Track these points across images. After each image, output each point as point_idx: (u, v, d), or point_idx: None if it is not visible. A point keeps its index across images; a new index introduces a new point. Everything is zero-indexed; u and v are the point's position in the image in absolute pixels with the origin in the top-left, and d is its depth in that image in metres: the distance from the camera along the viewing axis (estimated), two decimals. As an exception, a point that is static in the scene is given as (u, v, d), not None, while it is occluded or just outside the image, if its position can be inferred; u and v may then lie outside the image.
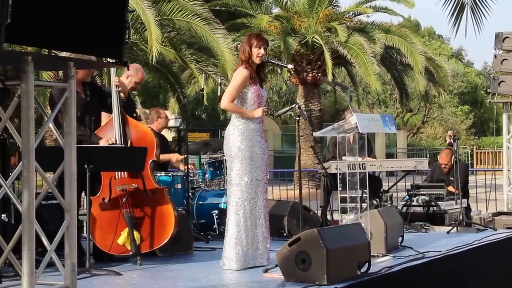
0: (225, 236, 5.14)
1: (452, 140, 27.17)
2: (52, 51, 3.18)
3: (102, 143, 5.40)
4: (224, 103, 5.14)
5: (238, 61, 5.39)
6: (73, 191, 3.17)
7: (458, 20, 9.43)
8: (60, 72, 4.66)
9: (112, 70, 5.55)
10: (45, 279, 3.44)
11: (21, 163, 2.98)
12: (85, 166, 4.97)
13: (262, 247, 5.10)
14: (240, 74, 5.18)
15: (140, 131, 5.68)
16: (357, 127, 5.37)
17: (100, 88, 5.87)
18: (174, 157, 7.58)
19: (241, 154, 5.06)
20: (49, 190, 3.30)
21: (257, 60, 5.19)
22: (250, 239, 5.05)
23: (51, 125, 3.22)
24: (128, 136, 5.54)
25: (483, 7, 9.33)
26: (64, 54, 4.01)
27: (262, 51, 5.19)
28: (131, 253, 5.37)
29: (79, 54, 3.52)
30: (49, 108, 5.60)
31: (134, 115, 6.14)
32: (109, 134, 5.49)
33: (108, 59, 3.35)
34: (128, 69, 5.55)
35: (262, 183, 5.14)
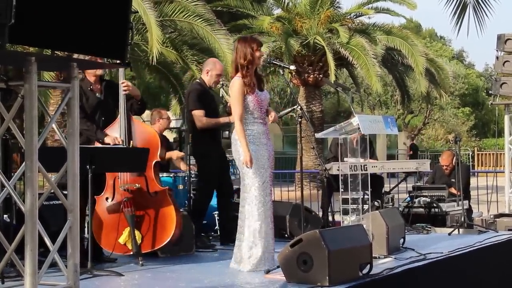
0: (240, 238, 5.07)
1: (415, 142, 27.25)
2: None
3: (108, 140, 5.40)
4: (236, 121, 5.06)
5: (233, 68, 5.19)
6: (76, 191, 3.17)
7: (460, 20, 9.42)
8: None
9: (121, 72, 5.54)
10: (47, 279, 3.44)
11: (24, 163, 2.98)
12: (87, 167, 4.97)
13: (271, 249, 5.09)
14: (234, 86, 5.08)
15: (145, 132, 5.68)
16: (359, 128, 5.38)
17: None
18: (175, 154, 7.59)
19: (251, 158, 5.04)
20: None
21: (260, 63, 5.17)
22: (264, 241, 5.03)
23: (54, 126, 3.22)
24: (132, 136, 5.55)
25: (485, 6, 9.32)
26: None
27: (261, 52, 5.19)
28: (132, 252, 5.37)
29: (82, 54, 3.53)
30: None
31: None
32: (115, 133, 5.51)
33: (111, 60, 3.35)
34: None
35: (269, 184, 5.14)
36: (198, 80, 6.48)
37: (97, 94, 5.55)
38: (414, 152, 26.41)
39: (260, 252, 5.00)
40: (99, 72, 5.58)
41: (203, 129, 6.23)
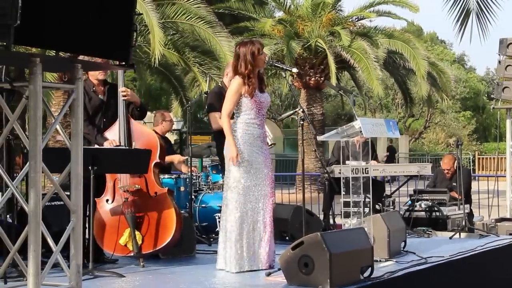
0: (220, 237, 5.13)
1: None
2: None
3: (106, 144, 5.42)
4: (222, 117, 5.13)
5: (232, 71, 5.19)
6: (79, 192, 3.17)
7: (464, 26, 9.45)
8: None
9: (120, 79, 5.55)
10: (49, 280, 3.45)
11: (27, 164, 2.98)
12: (89, 168, 4.97)
13: (262, 251, 5.08)
14: (232, 84, 5.12)
15: (143, 133, 5.69)
16: (361, 131, 5.38)
17: None
18: (176, 158, 7.59)
19: (240, 157, 5.05)
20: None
21: (264, 65, 5.18)
22: (246, 242, 5.03)
23: (57, 127, 3.23)
24: (133, 138, 5.56)
25: (488, 13, 9.35)
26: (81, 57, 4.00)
27: (264, 54, 5.18)
28: (132, 253, 5.38)
29: (87, 56, 3.54)
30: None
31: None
32: (114, 136, 5.51)
33: (115, 61, 3.36)
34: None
35: (264, 187, 5.12)
36: (219, 84, 6.53)
37: (99, 95, 5.58)
38: (391, 155, 25.27)
39: (240, 253, 5.01)
40: (101, 76, 5.60)
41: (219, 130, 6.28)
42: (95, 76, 5.56)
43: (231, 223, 5.05)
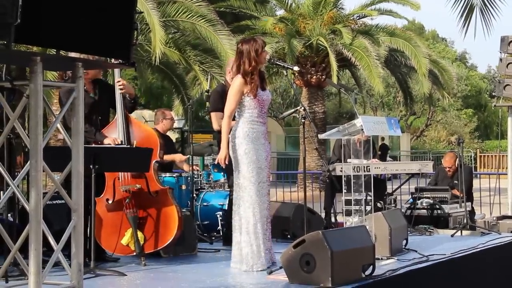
0: (237, 237, 5.09)
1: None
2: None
3: (107, 141, 5.40)
4: (224, 117, 5.12)
5: (235, 69, 5.18)
6: (80, 191, 3.17)
7: (467, 22, 9.40)
8: (68, 72, 4.65)
9: (116, 71, 5.53)
10: (50, 278, 3.45)
11: (28, 162, 2.98)
12: (91, 166, 4.97)
13: (268, 249, 5.09)
14: (234, 83, 5.11)
15: (143, 131, 5.68)
16: (362, 129, 5.38)
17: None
18: (178, 157, 7.59)
19: (248, 157, 5.04)
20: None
21: (265, 62, 5.16)
22: (262, 240, 5.03)
23: (58, 125, 3.23)
24: (132, 136, 5.55)
25: (492, 8, 9.30)
26: (73, 54, 4.01)
27: (266, 51, 5.17)
28: (134, 253, 5.38)
29: (87, 54, 3.53)
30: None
31: None
32: (113, 134, 5.50)
33: (116, 60, 3.35)
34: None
35: (266, 184, 5.14)
36: (223, 82, 6.50)
37: (91, 94, 5.51)
38: (383, 153, 24.24)
39: (256, 251, 5.00)
40: (99, 76, 5.56)
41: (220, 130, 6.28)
42: (88, 77, 5.48)
43: (246, 223, 5.04)
